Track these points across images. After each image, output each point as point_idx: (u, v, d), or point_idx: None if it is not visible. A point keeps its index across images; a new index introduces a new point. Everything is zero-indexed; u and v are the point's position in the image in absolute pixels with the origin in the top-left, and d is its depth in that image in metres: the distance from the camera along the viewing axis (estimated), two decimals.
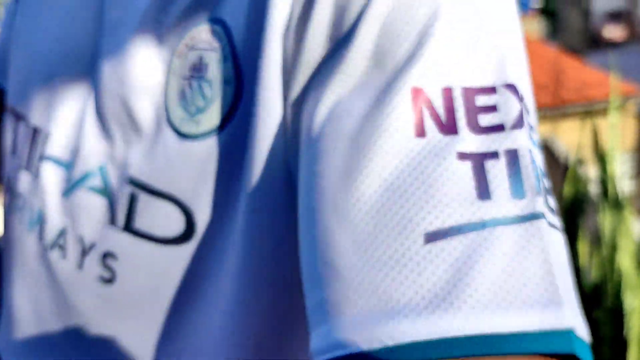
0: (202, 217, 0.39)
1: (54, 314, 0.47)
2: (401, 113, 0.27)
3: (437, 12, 0.28)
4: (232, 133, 0.37)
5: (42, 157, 0.47)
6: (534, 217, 0.26)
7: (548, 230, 0.27)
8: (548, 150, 7.05)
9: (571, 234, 2.49)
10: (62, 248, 0.45)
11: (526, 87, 0.30)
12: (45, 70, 0.48)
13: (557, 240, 0.27)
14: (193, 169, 0.38)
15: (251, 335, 0.38)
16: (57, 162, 0.46)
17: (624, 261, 1.99)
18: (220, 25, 0.38)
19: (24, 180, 0.49)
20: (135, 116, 0.42)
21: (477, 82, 0.28)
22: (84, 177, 0.44)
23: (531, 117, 0.29)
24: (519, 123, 0.28)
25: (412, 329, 0.25)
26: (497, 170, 0.27)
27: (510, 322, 0.25)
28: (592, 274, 2.08)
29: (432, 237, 0.25)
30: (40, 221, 0.47)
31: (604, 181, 2.27)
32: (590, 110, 8.71)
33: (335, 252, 0.27)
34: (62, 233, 0.45)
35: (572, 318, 0.26)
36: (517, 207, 0.26)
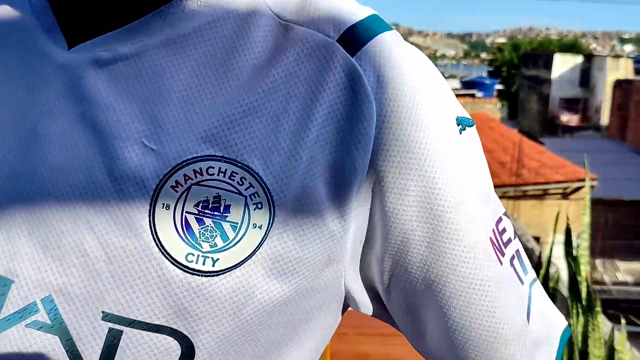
0: (203, 345, 0.39)
1: None
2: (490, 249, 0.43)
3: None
4: (250, 271, 0.38)
5: None
6: (535, 280, 0.48)
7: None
8: None
9: None
10: None
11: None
12: None
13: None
14: (198, 302, 0.38)
15: None
16: None
17: None
18: (243, 169, 0.38)
19: None
20: (104, 244, 0.38)
21: (500, 212, 0.45)
22: (19, 312, 0.38)
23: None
24: (514, 235, 0.47)
25: None
26: (517, 264, 0.46)
27: None
28: None
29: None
30: None
31: (576, 282, 2.18)
32: (548, 191, 9.00)
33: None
34: None
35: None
36: (529, 277, 0.47)
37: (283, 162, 0.38)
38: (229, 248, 0.38)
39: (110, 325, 0.38)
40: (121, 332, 0.38)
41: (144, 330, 0.38)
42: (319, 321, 0.43)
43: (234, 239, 0.38)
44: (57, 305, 0.38)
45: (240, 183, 0.38)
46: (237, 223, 0.38)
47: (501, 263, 0.43)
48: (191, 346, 0.38)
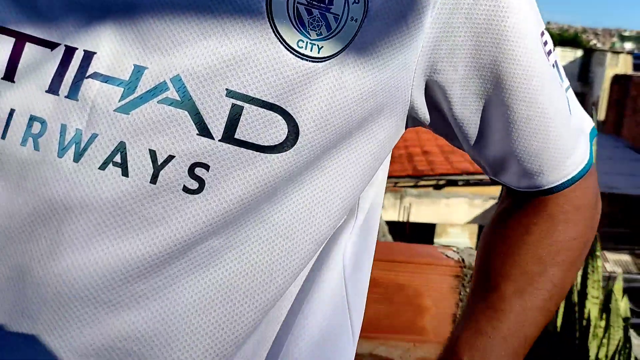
0: (306, 127, 0.45)
1: (108, 236, 0.44)
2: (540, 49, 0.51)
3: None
4: (344, 60, 0.45)
5: (82, 76, 0.44)
6: (569, 87, 0.56)
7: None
8: None
9: None
10: (119, 165, 0.43)
11: None
12: None
13: None
14: (304, 84, 0.44)
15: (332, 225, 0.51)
16: (107, 79, 0.44)
17: (593, 312, 2.03)
18: None
19: (43, 103, 0.44)
20: (226, 29, 0.42)
21: (542, 27, 0.52)
22: (152, 91, 0.43)
23: None
24: (553, 48, 0.54)
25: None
26: (556, 70, 0.53)
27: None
28: (559, 320, 2.12)
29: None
30: (79, 142, 0.43)
31: None
32: None
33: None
34: (118, 149, 0.43)
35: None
36: (565, 84, 0.55)
37: None
38: (331, 37, 0.44)
39: (233, 101, 0.43)
40: (242, 107, 0.43)
41: (260, 107, 0.44)
42: (384, 124, 0.50)
43: (335, 28, 0.44)
44: (185, 83, 0.43)
45: None
46: (339, 15, 0.44)
47: (549, 61, 0.52)
48: (296, 126, 0.45)
